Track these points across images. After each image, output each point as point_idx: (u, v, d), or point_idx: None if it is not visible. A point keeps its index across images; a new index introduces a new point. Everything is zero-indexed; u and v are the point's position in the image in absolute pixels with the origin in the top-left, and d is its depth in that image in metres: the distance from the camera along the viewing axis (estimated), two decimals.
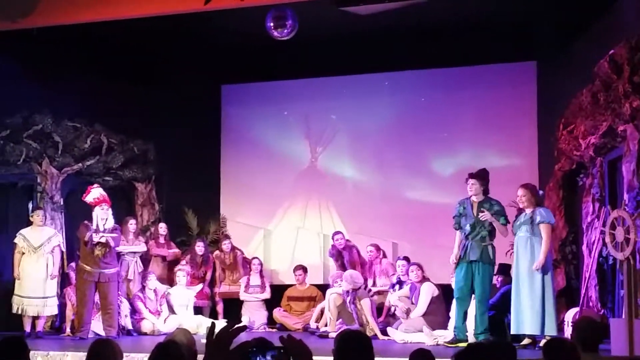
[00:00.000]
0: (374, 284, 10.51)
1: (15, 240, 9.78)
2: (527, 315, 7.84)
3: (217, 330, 2.07)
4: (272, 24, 8.79)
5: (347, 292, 9.45)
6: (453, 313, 8.56)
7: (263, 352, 2.00)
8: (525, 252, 7.95)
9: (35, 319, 9.69)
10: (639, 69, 7.78)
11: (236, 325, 2.02)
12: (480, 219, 8.17)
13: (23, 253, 9.72)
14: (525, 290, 7.88)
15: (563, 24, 10.06)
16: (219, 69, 12.23)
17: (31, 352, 7.71)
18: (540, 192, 8.66)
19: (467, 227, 8.27)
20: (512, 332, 8.02)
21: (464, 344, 7.93)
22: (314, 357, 2.11)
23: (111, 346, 4.14)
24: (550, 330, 7.74)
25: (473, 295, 8.35)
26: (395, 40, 10.98)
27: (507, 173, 11.14)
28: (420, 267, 9.50)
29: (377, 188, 12.00)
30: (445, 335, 8.49)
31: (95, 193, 9.48)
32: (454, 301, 8.48)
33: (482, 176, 8.38)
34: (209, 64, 12.00)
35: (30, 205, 10.41)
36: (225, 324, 2.13)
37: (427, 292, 9.21)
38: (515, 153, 11.49)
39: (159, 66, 12.07)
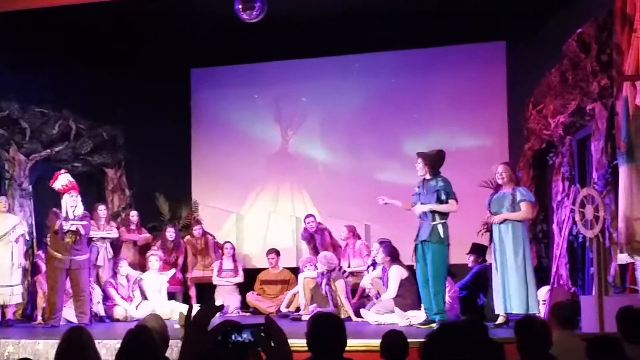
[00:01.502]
0: (349, 266, 10.52)
1: None
2: (514, 295, 7.85)
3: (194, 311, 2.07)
4: (240, 6, 8.71)
5: (322, 273, 9.47)
6: None
7: (239, 331, 2.00)
8: (507, 231, 7.96)
9: (3, 307, 9.59)
10: (607, 48, 7.81)
11: (214, 305, 2.02)
12: (415, 211, 8.15)
13: None
14: (512, 269, 7.88)
15: (532, 3, 10.08)
16: (188, 53, 12.14)
17: (2, 341, 7.69)
18: (518, 174, 8.70)
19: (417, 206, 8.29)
20: (498, 311, 8.00)
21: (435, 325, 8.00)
22: (288, 340, 2.10)
23: (84, 333, 4.12)
24: (534, 308, 7.78)
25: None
26: (365, 21, 10.94)
27: (478, 153, 11.23)
28: (386, 248, 9.46)
29: (348, 170, 12.01)
30: (418, 316, 8.49)
31: (62, 180, 9.37)
32: None
33: (426, 154, 8.33)
34: (178, 48, 11.90)
35: None
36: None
37: (396, 275, 9.22)
38: (485, 133, 11.55)
39: (128, 50, 11.93)
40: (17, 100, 10.74)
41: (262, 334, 2.01)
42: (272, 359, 1.99)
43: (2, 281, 9.50)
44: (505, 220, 7.98)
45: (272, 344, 2.00)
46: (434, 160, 8.27)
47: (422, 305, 8.35)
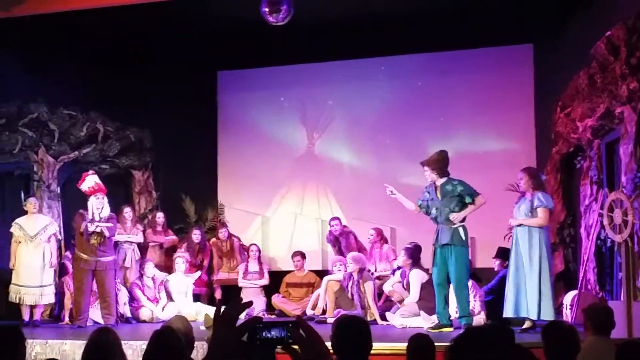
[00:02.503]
0: (375, 269, 10.50)
1: (11, 230, 9.73)
2: (524, 299, 7.82)
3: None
4: (267, 9, 8.72)
5: (350, 274, 9.44)
6: (451, 297, 8.53)
7: (269, 328, 1.99)
8: (524, 236, 7.93)
9: (32, 307, 9.67)
10: (636, 51, 7.74)
11: (242, 302, 2.01)
12: (453, 221, 8.12)
13: (20, 242, 9.68)
14: (524, 274, 7.84)
15: (559, 5, 10.02)
16: (215, 55, 12.18)
17: (29, 341, 7.72)
18: (543, 177, 8.63)
19: (434, 211, 8.25)
20: (506, 315, 7.97)
21: (447, 329, 7.99)
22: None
23: (111, 334, 4.14)
24: (548, 315, 7.71)
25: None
26: (391, 24, 10.93)
27: (505, 156, 11.16)
28: (407, 251, 9.45)
29: (374, 173, 11.97)
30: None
31: (89, 181, 9.44)
32: (450, 286, 8.46)
33: (430, 161, 8.32)
34: (205, 50, 11.95)
35: (22, 195, 10.31)
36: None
37: (416, 278, 9.20)
38: (512, 136, 11.47)
39: (155, 53, 12.00)
40: (45, 103, 10.86)
41: (294, 332, 1.99)
42: (308, 355, 1.97)
43: (33, 281, 9.58)
44: (521, 225, 7.93)
45: (307, 342, 1.98)
46: (440, 163, 8.28)
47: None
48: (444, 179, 8.24)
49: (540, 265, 7.82)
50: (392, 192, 8.61)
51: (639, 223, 7.37)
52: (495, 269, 9.83)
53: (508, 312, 7.97)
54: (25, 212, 9.85)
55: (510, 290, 7.97)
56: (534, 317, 7.74)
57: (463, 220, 8.18)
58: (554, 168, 10.21)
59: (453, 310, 8.62)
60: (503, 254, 9.75)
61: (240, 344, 1.95)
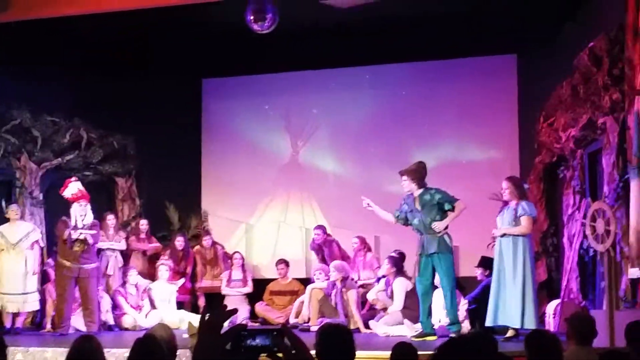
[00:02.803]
0: (359, 278, 10.50)
1: None
2: (507, 307, 7.84)
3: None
4: (252, 17, 8.74)
5: (333, 283, 9.45)
6: (434, 305, 8.55)
7: (253, 336, 1.99)
8: (508, 245, 7.95)
9: (15, 315, 9.60)
10: (618, 62, 7.80)
11: (227, 309, 2.01)
12: (435, 230, 8.14)
13: (2, 250, 9.61)
14: (509, 282, 7.86)
15: (543, 16, 10.08)
16: (200, 63, 12.18)
17: (11, 348, 7.69)
18: (526, 185, 8.66)
19: (415, 222, 8.27)
20: (488, 323, 7.98)
21: (431, 338, 8.02)
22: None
23: (93, 342, 4.12)
24: (530, 324, 7.73)
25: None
26: (375, 33, 10.97)
27: (489, 166, 11.21)
28: (391, 259, 9.47)
29: (358, 181, 11.98)
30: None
31: (72, 188, 9.40)
32: (434, 293, 8.48)
33: (409, 171, 8.36)
34: (189, 58, 11.94)
35: (2, 202, 10.23)
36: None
37: (401, 287, 9.22)
38: (496, 146, 11.52)
39: (139, 60, 11.98)
40: (28, 109, 10.79)
41: (278, 340, 1.99)
42: None
43: (15, 289, 9.51)
44: (504, 234, 7.95)
45: (292, 350, 1.98)
46: (418, 174, 8.31)
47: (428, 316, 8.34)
48: (421, 190, 8.27)
49: (524, 274, 7.83)
50: (368, 204, 8.63)
51: (621, 233, 7.43)
52: (478, 278, 9.86)
53: (488, 320, 7.98)
54: (7, 220, 9.79)
55: (492, 298, 7.99)
56: (517, 326, 7.76)
57: (446, 227, 8.21)
58: (537, 177, 10.27)
59: (436, 319, 8.64)
60: (486, 263, 9.78)
61: (225, 351, 1.95)
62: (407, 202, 8.37)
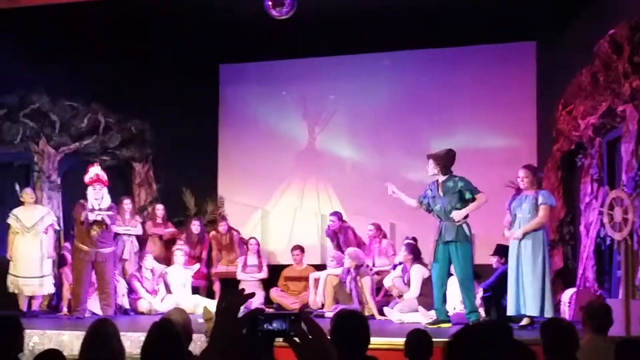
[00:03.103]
0: (374, 264, 10.50)
1: (8, 221, 9.72)
2: (529, 297, 7.80)
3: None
4: (270, 3, 8.70)
5: (348, 270, 9.45)
6: (449, 293, 8.54)
7: (270, 320, 1.98)
8: (527, 236, 7.90)
9: (31, 298, 9.68)
10: (639, 49, 7.73)
11: (245, 292, 2.00)
12: (454, 219, 8.11)
13: (17, 233, 9.67)
14: (528, 271, 7.83)
15: (562, 3, 10.00)
16: (217, 48, 12.17)
17: (28, 331, 7.74)
18: (540, 174, 8.61)
19: (437, 207, 8.24)
20: (510, 313, 7.97)
21: (445, 325, 8.01)
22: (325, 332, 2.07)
23: (110, 325, 4.14)
24: (549, 312, 7.71)
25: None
26: (394, 19, 10.91)
27: (506, 153, 11.16)
28: (408, 247, 9.46)
29: (375, 168, 11.97)
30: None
31: (91, 173, 9.43)
32: (449, 281, 8.46)
33: (436, 155, 8.32)
34: (207, 43, 11.93)
35: (16, 186, 10.26)
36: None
37: (418, 274, 9.20)
38: (514, 133, 11.46)
39: (157, 45, 11.99)
40: (47, 94, 10.85)
41: (295, 325, 1.99)
42: (308, 348, 1.97)
43: (31, 272, 9.58)
44: (526, 233, 7.88)
45: (309, 335, 1.98)
46: (445, 160, 8.27)
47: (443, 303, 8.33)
48: (446, 176, 8.24)
49: (543, 263, 7.81)
50: (393, 192, 8.60)
51: (639, 221, 7.37)
52: (494, 266, 9.82)
53: (510, 310, 7.95)
54: (22, 203, 9.84)
55: (512, 288, 7.95)
56: (536, 314, 7.71)
57: (465, 217, 8.18)
58: (554, 165, 10.21)
59: (451, 306, 8.63)
60: (501, 251, 9.74)
61: (242, 335, 1.94)
62: (431, 187, 8.35)
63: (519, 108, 11.38)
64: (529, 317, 7.87)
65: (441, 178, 8.25)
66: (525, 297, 7.82)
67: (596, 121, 8.82)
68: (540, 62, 11.23)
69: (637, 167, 7.71)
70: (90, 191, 9.32)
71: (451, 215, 8.12)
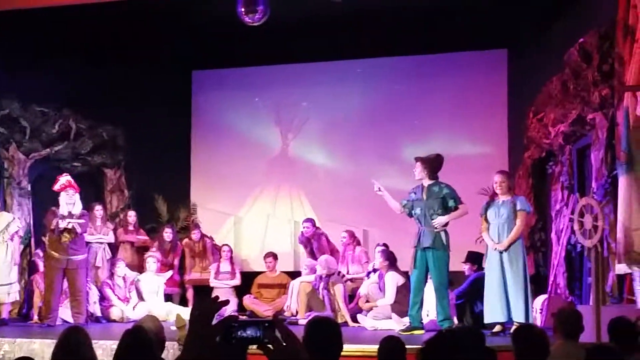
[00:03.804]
0: (347, 272, 10.51)
1: None
2: (515, 303, 7.79)
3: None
4: (243, 9, 8.71)
5: (320, 277, 9.46)
6: (424, 299, 8.55)
7: (244, 327, 1.98)
8: (505, 236, 7.93)
9: None
10: (608, 58, 7.82)
11: (219, 300, 2.01)
12: (435, 227, 8.14)
13: None
14: (511, 277, 7.84)
15: (534, 11, 10.09)
16: (190, 55, 12.15)
17: None
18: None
19: (418, 211, 8.26)
20: (490, 320, 7.93)
21: (418, 332, 8.03)
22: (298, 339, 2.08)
23: (81, 333, 4.12)
24: (519, 317, 7.76)
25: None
26: (367, 26, 10.94)
27: (478, 160, 11.23)
28: (384, 253, 9.49)
29: (348, 175, 11.99)
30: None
31: (62, 180, 9.39)
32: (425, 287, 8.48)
33: (425, 159, 8.36)
34: (180, 50, 11.92)
35: None
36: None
37: (392, 281, 9.22)
38: (486, 140, 11.55)
39: (129, 51, 11.92)
40: (17, 99, 10.75)
41: (269, 332, 1.99)
42: (282, 355, 1.97)
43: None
44: (510, 243, 7.90)
45: (283, 342, 1.98)
46: (433, 165, 8.31)
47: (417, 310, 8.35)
48: (432, 181, 8.28)
49: (524, 268, 7.86)
50: (379, 189, 8.60)
51: (609, 229, 7.45)
52: (466, 273, 9.88)
53: (495, 317, 7.93)
54: None
55: (494, 295, 7.94)
56: (521, 320, 7.66)
57: (445, 225, 8.22)
58: (525, 173, 10.29)
59: (425, 313, 8.65)
60: (473, 258, 9.80)
61: (215, 342, 1.94)
62: (415, 191, 8.37)
63: (490, 115, 11.47)
64: (500, 324, 7.90)
65: (427, 182, 8.29)
66: (512, 304, 7.82)
67: (566, 129, 8.91)
68: (511, 70, 11.34)
69: (607, 174, 7.80)
70: (63, 196, 9.26)
71: (432, 221, 8.13)
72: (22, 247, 9.98)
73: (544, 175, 10.06)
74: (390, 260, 9.41)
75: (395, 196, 8.63)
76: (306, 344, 3.64)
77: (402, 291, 9.07)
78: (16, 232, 9.74)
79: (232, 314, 10.71)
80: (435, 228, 8.15)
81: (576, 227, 7.63)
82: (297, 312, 9.78)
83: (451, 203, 8.19)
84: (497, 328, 7.92)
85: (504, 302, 7.87)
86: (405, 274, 9.17)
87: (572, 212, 7.87)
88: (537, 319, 8.48)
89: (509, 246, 7.88)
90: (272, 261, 11.07)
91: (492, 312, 7.93)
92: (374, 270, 9.76)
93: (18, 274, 9.82)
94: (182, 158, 12.63)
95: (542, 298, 8.67)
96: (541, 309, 8.47)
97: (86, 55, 11.27)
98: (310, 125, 12.30)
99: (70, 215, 9.23)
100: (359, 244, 10.81)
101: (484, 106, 11.48)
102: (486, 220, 8.12)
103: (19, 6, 9.00)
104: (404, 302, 8.82)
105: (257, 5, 8.62)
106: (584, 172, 9.03)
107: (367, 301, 9.49)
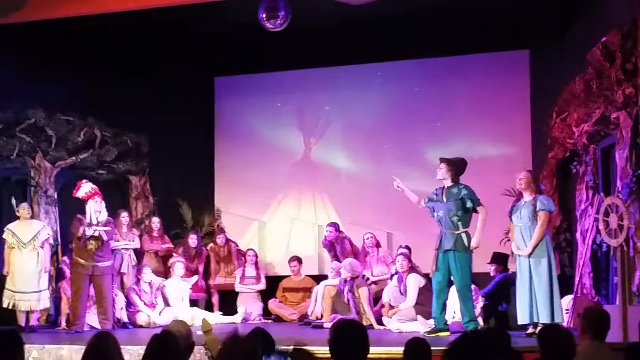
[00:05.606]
0: (372, 274, 10.52)
1: (3, 236, 9.72)
2: (540, 304, 7.77)
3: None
4: (264, 15, 8.76)
5: (345, 280, 9.49)
6: (449, 301, 8.53)
7: (268, 354, 2.01)
8: (528, 240, 7.91)
9: (28, 313, 9.66)
10: (631, 56, 7.77)
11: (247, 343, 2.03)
12: (472, 247, 8.14)
13: (13, 248, 9.67)
14: (536, 278, 7.82)
15: (556, 11, 10.06)
16: (212, 61, 12.22)
17: (27, 346, 7.75)
18: (542, 187, 8.63)
19: (440, 213, 8.27)
20: (522, 322, 7.90)
21: (444, 334, 8.02)
22: (309, 348, 2.11)
23: (110, 338, 4.15)
24: (559, 317, 7.73)
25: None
26: (388, 30, 10.96)
27: (501, 162, 11.19)
28: (406, 256, 9.52)
29: (371, 178, 11.99)
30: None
31: (86, 187, 9.49)
32: (449, 291, 8.46)
33: (449, 160, 8.37)
34: (202, 56, 11.99)
35: (13, 200, 10.27)
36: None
37: (414, 283, 9.23)
38: (508, 142, 11.50)
39: (152, 59, 12.04)
40: (43, 109, 10.87)
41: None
42: None
43: (29, 287, 9.57)
44: (534, 247, 7.87)
45: None
46: (457, 167, 8.31)
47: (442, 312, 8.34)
48: (453, 183, 8.29)
49: (549, 268, 7.82)
50: (398, 185, 8.64)
51: (634, 227, 7.40)
52: (491, 274, 9.85)
53: (523, 319, 7.91)
54: (17, 218, 9.85)
55: (523, 296, 7.91)
56: (547, 321, 7.63)
57: (467, 226, 8.21)
58: (550, 173, 10.24)
59: (450, 315, 8.64)
60: (499, 259, 9.79)
61: None
62: (437, 192, 8.38)
63: (513, 116, 11.42)
64: (533, 325, 7.84)
65: (448, 184, 8.30)
66: (537, 305, 7.79)
67: (590, 128, 8.86)
68: (533, 70, 11.28)
69: (632, 173, 7.75)
70: (90, 204, 9.36)
71: (472, 245, 8.11)
72: (51, 254, 10.07)
73: (568, 175, 10.01)
74: (412, 262, 9.47)
75: (418, 197, 8.64)
76: (332, 347, 3.65)
77: (425, 293, 9.08)
78: (46, 239, 9.85)
79: (257, 318, 10.77)
80: (457, 229, 8.13)
81: (601, 226, 7.59)
82: (321, 316, 9.81)
83: (469, 204, 8.18)
84: (530, 330, 7.87)
85: (533, 303, 7.84)
86: (426, 276, 9.19)
87: (597, 212, 7.83)
88: (564, 319, 8.44)
89: (533, 250, 7.85)
90: (296, 265, 11.12)
91: (523, 314, 7.91)
92: (396, 273, 9.78)
93: (49, 281, 9.93)
94: (206, 164, 12.70)
95: (568, 298, 8.63)
96: (567, 309, 8.42)
97: (110, 64, 11.37)
98: (333, 129, 12.33)
99: (97, 222, 9.31)
100: (380, 245, 10.83)
101: (507, 107, 11.43)
102: (511, 220, 8.12)
103: (44, 16, 9.09)
104: (426, 303, 8.81)
105: (278, 11, 8.67)
106: (609, 171, 8.97)
107: (391, 307, 9.49)
